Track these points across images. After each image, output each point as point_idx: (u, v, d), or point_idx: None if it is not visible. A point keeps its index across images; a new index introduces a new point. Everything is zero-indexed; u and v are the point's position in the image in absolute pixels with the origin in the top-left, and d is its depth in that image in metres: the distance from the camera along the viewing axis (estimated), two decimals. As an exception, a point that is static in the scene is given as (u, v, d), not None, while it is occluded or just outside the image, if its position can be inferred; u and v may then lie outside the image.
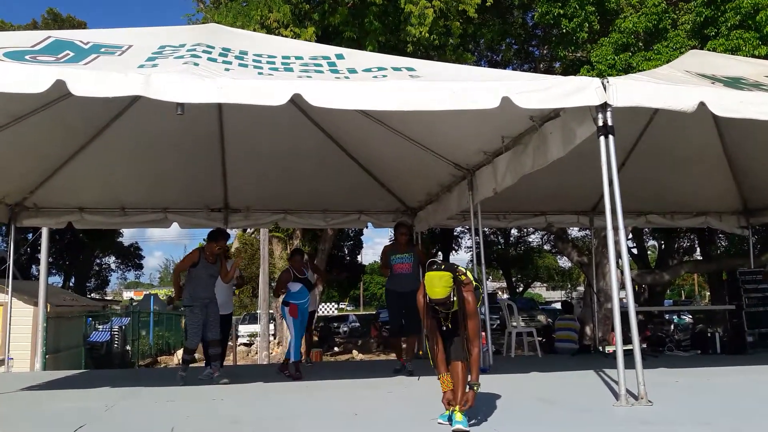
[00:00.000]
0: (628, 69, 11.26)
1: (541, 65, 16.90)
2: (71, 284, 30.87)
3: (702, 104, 5.21)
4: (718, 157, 9.61)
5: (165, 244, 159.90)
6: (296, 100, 4.74)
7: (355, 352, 20.94)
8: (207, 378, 7.00)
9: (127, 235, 33.82)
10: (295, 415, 4.70)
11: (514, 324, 10.64)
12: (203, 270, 7.07)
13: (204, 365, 7.91)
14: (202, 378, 7.04)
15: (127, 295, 57.93)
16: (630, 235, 21.07)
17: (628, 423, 4.02)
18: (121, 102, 7.54)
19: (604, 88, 5.02)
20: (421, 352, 8.11)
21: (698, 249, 23.99)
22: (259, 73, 5.07)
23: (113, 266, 35.88)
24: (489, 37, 14.73)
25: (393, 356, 8.71)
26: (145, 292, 47.58)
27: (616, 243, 5.15)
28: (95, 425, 4.33)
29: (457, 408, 4.01)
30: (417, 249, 8.25)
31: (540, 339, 11.67)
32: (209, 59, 5.23)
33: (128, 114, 7.87)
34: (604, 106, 5.01)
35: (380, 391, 5.79)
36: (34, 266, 27.89)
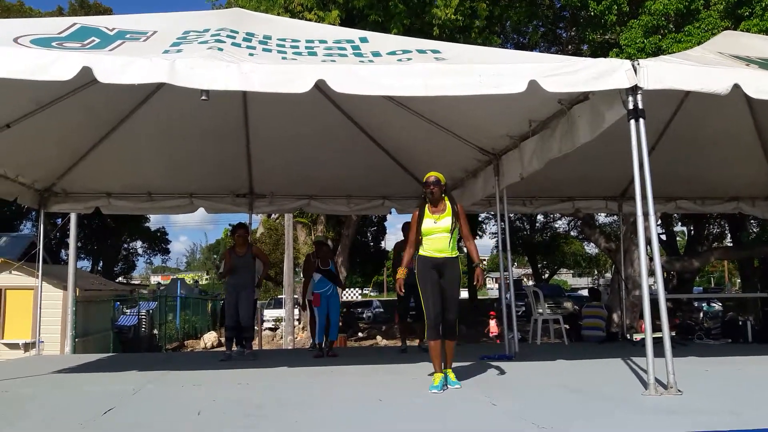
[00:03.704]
0: (657, 52, 10.99)
1: (569, 48, 16.61)
2: (99, 268, 31.37)
3: (736, 86, 5.05)
4: (752, 141, 9.35)
5: (189, 230, 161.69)
6: (320, 85, 4.70)
7: (379, 337, 20.99)
8: (238, 355, 7.97)
9: (153, 221, 34.28)
10: (318, 400, 4.71)
11: (540, 311, 10.53)
12: (236, 262, 8.08)
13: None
14: (232, 354, 7.96)
15: (155, 279, 58.80)
16: (659, 221, 20.75)
17: (656, 413, 3.94)
18: (146, 88, 7.56)
19: (635, 71, 4.89)
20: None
21: (729, 235, 23.54)
22: (283, 58, 5.03)
23: (140, 251, 36.41)
24: (515, 19, 14.46)
25: (417, 342, 8.75)
26: (172, 277, 48.28)
27: (646, 229, 5.05)
28: (123, 408, 4.38)
29: (449, 370, 5.04)
30: None
31: (566, 326, 11.58)
32: (233, 44, 5.21)
33: (153, 100, 7.91)
34: (634, 89, 4.88)
35: (404, 377, 5.77)
36: (63, 251, 28.41)
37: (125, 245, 34.71)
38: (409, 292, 7.55)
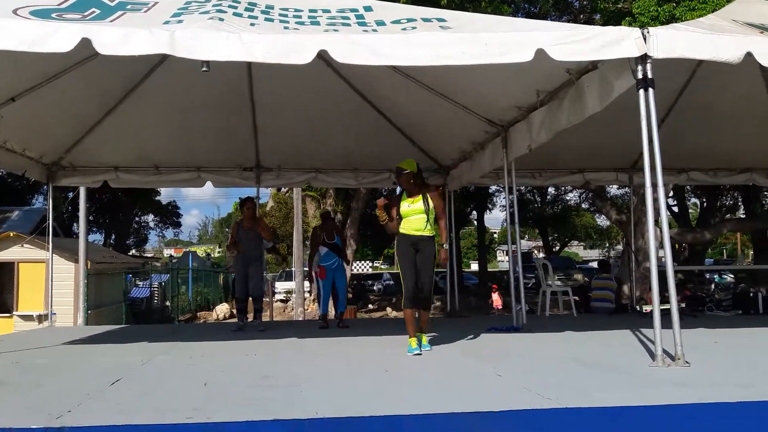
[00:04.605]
0: (671, 20, 10.74)
1: (581, 17, 16.30)
2: (112, 242, 31.62)
3: (749, 55, 4.93)
4: (765, 111, 9.17)
5: (201, 203, 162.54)
6: (324, 56, 4.63)
7: (389, 309, 21.10)
8: (249, 326, 8.17)
9: (165, 194, 34.39)
10: (325, 370, 4.73)
11: (549, 283, 10.52)
12: (243, 235, 8.14)
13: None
14: (243, 325, 8.15)
15: (168, 252, 59.31)
16: (671, 193, 20.57)
17: (663, 385, 3.92)
18: (151, 60, 7.51)
19: (644, 39, 4.77)
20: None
21: (742, 207, 23.34)
22: (285, 28, 4.95)
23: (152, 224, 36.65)
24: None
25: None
26: (184, 250, 48.66)
27: (655, 200, 4.98)
28: (132, 378, 4.42)
29: (423, 335, 5.67)
30: None
31: (575, 298, 11.57)
32: (235, 14, 5.13)
33: (158, 72, 7.87)
34: (644, 58, 4.77)
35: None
36: (75, 224, 28.59)
37: (137, 219, 34.90)
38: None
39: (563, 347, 6.08)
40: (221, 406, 3.40)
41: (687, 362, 4.46)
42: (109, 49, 4.36)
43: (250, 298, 8.27)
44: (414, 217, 5.62)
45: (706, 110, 8.93)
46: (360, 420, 3.11)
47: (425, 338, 5.73)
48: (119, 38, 4.36)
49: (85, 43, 4.29)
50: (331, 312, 8.90)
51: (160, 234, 42.08)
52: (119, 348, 6.53)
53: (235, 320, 8.44)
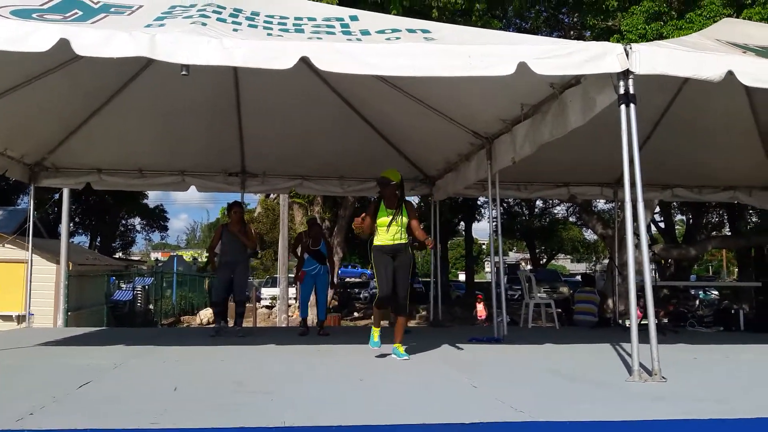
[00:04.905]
0: (659, 38, 10.86)
1: (572, 33, 16.43)
2: (97, 244, 31.37)
3: (730, 73, 4.97)
4: (749, 130, 9.27)
5: (190, 208, 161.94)
6: (309, 64, 4.62)
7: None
8: (228, 331, 8.11)
9: (153, 198, 34.17)
10: (300, 378, 4.70)
11: (533, 295, 10.53)
12: (227, 240, 8.07)
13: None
14: (221, 330, 8.08)
15: (155, 255, 58.96)
16: (657, 209, 20.69)
17: (638, 399, 3.91)
18: (136, 63, 7.48)
19: (627, 55, 4.81)
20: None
21: (728, 224, 23.52)
22: (269, 34, 4.95)
23: (138, 228, 36.38)
24: (518, 5, 14.31)
25: (410, 323, 8.79)
26: (171, 254, 48.34)
27: (636, 216, 5.00)
28: (100, 382, 4.36)
29: (399, 344, 5.74)
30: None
31: (558, 311, 11.57)
32: (218, 19, 5.12)
33: (144, 75, 7.83)
34: (626, 74, 4.80)
35: (391, 357, 5.76)
36: (61, 225, 28.36)
37: (123, 222, 34.67)
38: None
39: (542, 359, 6.07)
40: (188, 412, 3.37)
41: (664, 377, 4.47)
42: (88, 51, 4.33)
43: (231, 303, 8.22)
44: (392, 227, 5.69)
45: (691, 127, 9.00)
46: (326, 430, 3.08)
47: (401, 348, 5.77)
48: (99, 40, 4.33)
49: (63, 43, 4.25)
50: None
51: (147, 237, 41.79)
52: (93, 350, 6.45)
53: (227, 324, 8.39)
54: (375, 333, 5.76)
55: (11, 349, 6.31)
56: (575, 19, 16.46)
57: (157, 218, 35.70)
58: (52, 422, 3.09)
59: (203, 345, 6.90)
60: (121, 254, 35.27)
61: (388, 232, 5.70)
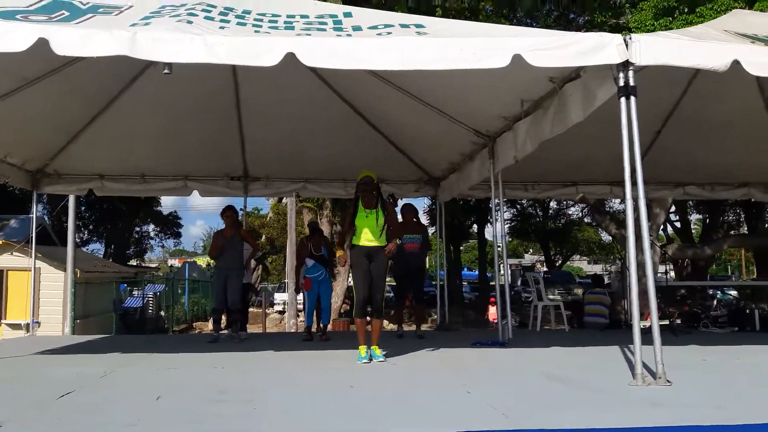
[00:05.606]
0: (668, 33, 10.63)
1: (582, 32, 16.16)
2: (111, 251, 31.50)
3: (736, 63, 4.77)
4: (762, 125, 8.98)
5: (206, 214, 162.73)
6: (296, 60, 4.49)
7: (385, 322, 20.83)
8: (227, 337, 7.99)
9: (167, 204, 34.29)
10: (288, 385, 4.56)
11: (540, 298, 10.32)
12: (224, 244, 8.00)
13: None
14: (219, 336, 8.00)
15: (171, 262, 59.28)
16: (673, 208, 20.34)
17: (637, 405, 3.73)
18: (134, 66, 7.40)
19: (626, 45, 4.63)
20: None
21: (745, 223, 23.10)
22: (256, 31, 4.83)
23: (152, 234, 36.51)
24: (528, 3, 14.13)
25: (413, 327, 8.66)
26: (187, 260, 48.50)
27: (638, 214, 4.81)
28: (84, 391, 4.26)
29: (375, 347, 5.76)
30: (424, 229, 8.81)
31: (568, 312, 11.35)
32: (206, 18, 5.02)
33: (141, 80, 7.76)
34: (625, 65, 4.62)
35: (385, 364, 5.61)
36: (76, 233, 28.51)
37: (137, 228, 34.79)
38: (408, 276, 8.32)
39: (544, 363, 5.88)
40: (161, 423, 3.23)
41: (668, 381, 4.28)
42: (67, 50, 4.24)
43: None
44: (370, 227, 5.74)
45: (702, 123, 8.73)
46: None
47: (378, 350, 5.79)
48: (77, 39, 4.24)
49: (42, 42, 4.15)
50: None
51: (161, 244, 41.94)
52: (87, 358, 6.36)
53: (225, 331, 8.26)
54: (362, 350, 5.72)
55: (5, 358, 6.23)
56: (586, 18, 16.23)
57: (170, 225, 35.80)
58: (18, 434, 2.98)
59: (199, 352, 6.77)
60: (135, 261, 35.37)
61: (366, 233, 5.73)
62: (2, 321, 13.64)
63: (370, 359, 5.69)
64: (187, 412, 3.52)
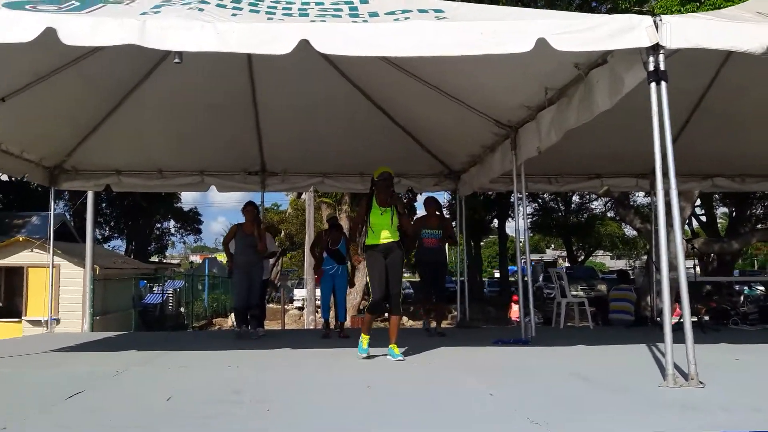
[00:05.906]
0: (695, 19, 10.29)
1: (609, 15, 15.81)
2: (132, 248, 31.68)
3: (774, 44, 4.50)
4: (796, 113, 8.64)
5: (228, 210, 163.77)
6: (326, 55, 4.33)
7: (405, 318, 20.66)
8: (246, 334, 7.82)
9: (188, 200, 34.38)
10: (303, 385, 4.41)
11: (564, 294, 10.07)
12: (240, 240, 7.86)
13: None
14: (242, 332, 7.87)
15: (193, 258, 59.66)
16: (698, 202, 19.88)
17: (668, 408, 3.51)
18: (149, 59, 7.30)
19: (656, 27, 4.37)
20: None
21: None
22: (269, 18, 4.67)
23: (173, 230, 36.65)
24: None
25: (434, 324, 8.44)
26: (208, 256, 48.75)
27: (670, 206, 4.57)
28: (95, 391, 4.14)
29: (394, 345, 5.58)
30: (448, 223, 8.44)
31: (593, 309, 11.09)
32: (218, 5, 4.86)
33: (158, 71, 7.64)
34: (656, 48, 4.37)
35: (403, 363, 5.43)
36: (98, 230, 28.71)
37: (158, 225, 34.96)
38: (429, 272, 8.01)
39: (569, 363, 5.64)
40: (167, 426, 3.08)
41: (701, 382, 4.04)
42: (76, 40, 4.11)
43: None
44: (385, 226, 5.62)
45: (732, 112, 8.41)
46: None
47: (396, 349, 5.62)
48: (86, 28, 4.12)
49: (49, 32, 4.03)
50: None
51: (182, 240, 42.10)
52: (101, 356, 6.27)
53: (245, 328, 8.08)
54: (364, 340, 5.65)
55: (21, 356, 6.16)
56: (609, 5, 15.87)
57: (190, 221, 35.91)
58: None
59: (216, 349, 6.66)
60: (156, 257, 35.54)
61: (382, 230, 5.61)
62: (23, 318, 13.71)
63: (368, 352, 5.63)
64: (198, 413, 3.38)
